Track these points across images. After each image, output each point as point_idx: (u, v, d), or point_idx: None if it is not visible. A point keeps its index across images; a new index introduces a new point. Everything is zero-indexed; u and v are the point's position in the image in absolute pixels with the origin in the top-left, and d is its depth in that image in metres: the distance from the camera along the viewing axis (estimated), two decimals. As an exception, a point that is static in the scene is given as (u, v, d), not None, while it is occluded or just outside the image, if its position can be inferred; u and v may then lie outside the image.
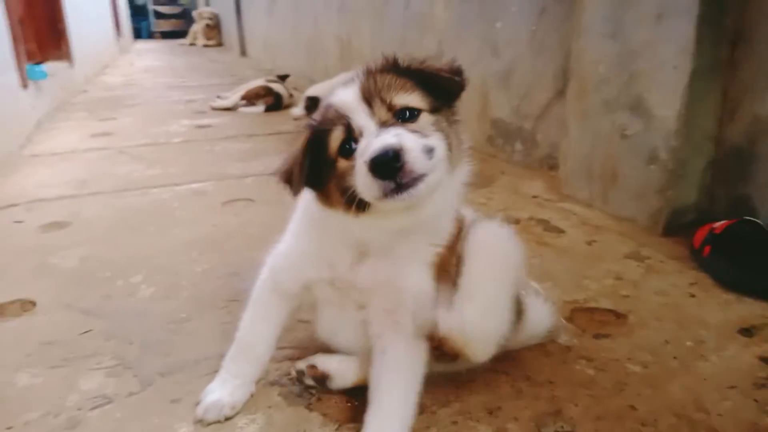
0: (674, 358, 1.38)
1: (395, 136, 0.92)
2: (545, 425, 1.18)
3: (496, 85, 3.18)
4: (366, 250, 1.11)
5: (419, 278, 1.12)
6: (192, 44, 14.34)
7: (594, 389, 1.28)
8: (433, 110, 1.03)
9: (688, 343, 1.43)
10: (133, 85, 6.97)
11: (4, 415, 1.23)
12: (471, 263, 1.16)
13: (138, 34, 17.34)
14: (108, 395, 1.29)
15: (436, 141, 0.98)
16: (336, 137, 0.99)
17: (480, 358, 1.18)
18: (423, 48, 3.83)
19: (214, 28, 13.98)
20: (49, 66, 4.82)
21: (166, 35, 17.74)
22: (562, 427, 1.17)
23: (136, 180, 2.95)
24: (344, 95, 1.00)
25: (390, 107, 0.98)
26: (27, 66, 4.07)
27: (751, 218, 1.79)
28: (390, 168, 0.90)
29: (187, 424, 1.19)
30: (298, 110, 4.72)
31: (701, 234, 1.86)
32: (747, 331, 1.47)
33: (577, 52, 2.39)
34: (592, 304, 1.63)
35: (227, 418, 1.20)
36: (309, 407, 1.24)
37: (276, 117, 4.73)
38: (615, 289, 1.71)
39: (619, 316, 1.57)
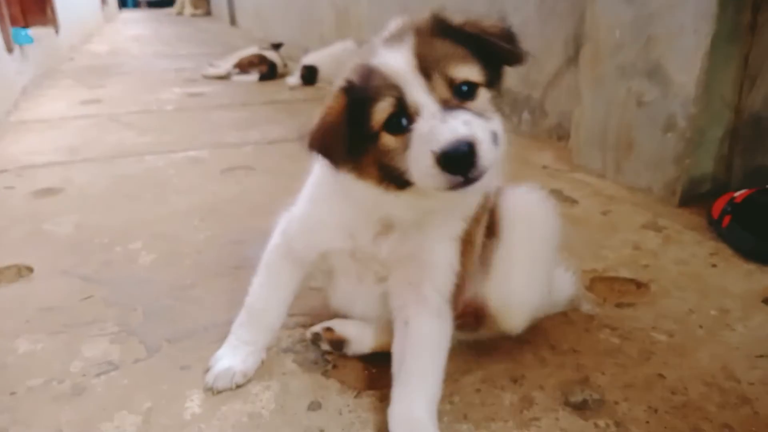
0: (700, 327, 1.34)
1: (465, 125, 0.82)
2: (573, 393, 1.13)
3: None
4: (391, 224, 1.04)
5: (447, 252, 1.05)
6: (179, 13, 14.00)
7: (620, 358, 1.24)
8: (489, 84, 0.91)
9: (713, 313, 1.39)
10: (121, 53, 6.77)
11: (6, 381, 1.17)
12: (510, 231, 1.11)
13: (123, 2, 16.88)
14: (113, 362, 1.23)
15: (497, 123, 0.89)
16: (383, 109, 0.87)
17: (516, 329, 1.15)
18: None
19: (203, -3, 13.65)
20: (33, 31, 4.63)
21: (152, 4, 17.33)
22: (591, 395, 1.13)
23: (129, 147, 2.85)
24: (394, 60, 0.86)
25: (450, 82, 0.86)
26: (12, 30, 3.91)
27: (773, 187, 1.75)
28: (463, 163, 0.81)
29: (198, 390, 1.14)
30: (294, 79, 4.60)
31: (720, 204, 1.82)
32: (772, 301, 1.44)
33: (592, 16, 2.31)
34: (612, 274, 1.59)
35: (238, 386, 1.14)
36: (325, 374, 1.19)
37: (271, 86, 4.61)
38: (634, 258, 1.67)
39: (640, 285, 1.53)
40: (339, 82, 0.92)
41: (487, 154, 0.81)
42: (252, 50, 5.04)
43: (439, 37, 0.89)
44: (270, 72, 4.84)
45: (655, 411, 1.08)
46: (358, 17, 4.82)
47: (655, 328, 1.33)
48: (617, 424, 1.05)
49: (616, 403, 1.10)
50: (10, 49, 3.80)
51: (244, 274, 1.56)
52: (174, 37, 8.76)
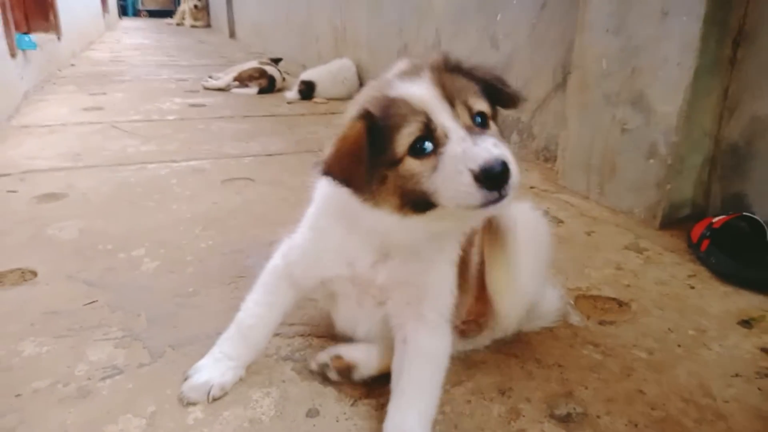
0: (678, 345, 1.41)
1: (496, 146, 0.88)
2: (557, 406, 1.20)
3: (495, 77, 3.18)
4: (389, 252, 1.08)
5: (445, 276, 1.11)
6: (179, 24, 14.10)
7: (602, 373, 1.31)
8: (494, 118, 1.00)
9: (691, 332, 1.47)
10: (122, 61, 6.83)
11: (11, 383, 1.21)
12: (515, 237, 1.18)
13: (124, 11, 16.96)
14: (118, 366, 1.28)
15: (508, 149, 0.94)
16: (409, 134, 0.90)
17: (510, 324, 1.27)
18: (420, 37, 3.83)
19: (203, 9, 13.75)
20: (36, 37, 4.69)
21: (153, 14, 17.43)
22: (575, 408, 1.19)
23: (132, 155, 2.90)
24: (419, 89, 0.92)
25: (470, 111, 0.93)
26: (16, 35, 3.96)
27: (750, 214, 1.84)
28: (500, 179, 0.87)
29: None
30: (292, 94, 4.69)
31: (699, 228, 1.91)
32: (746, 323, 1.51)
33: (580, 46, 2.41)
34: (595, 292, 1.66)
35: (214, 399, 1.17)
36: (323, 382, 1.24)
37: (270, 99, 4.69)
38: (616, 278, 1.74)
39: (621, 304, 1.61)
40: (353, 112, 0.95)
41: (516, 172, 0.88)
42: (252, 64, 5.13)
43: (451, 74, 0.97)
44: (269, 86, 4.93)
45: (636, 425, 1.15)
46: (355, 36, 4.93)
47: (636, 346, 1.41)
48: (598, 436, 1.12)
49: (599, 416, 1.17)
50: (13, 54, 3.85)
51: (245, 283, 1.62)
52: (174, 47, 8.84)
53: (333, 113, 4.16)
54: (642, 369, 1.32)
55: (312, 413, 1.15)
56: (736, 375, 1.31)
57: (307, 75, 4.73)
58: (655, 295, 1.65)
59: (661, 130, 2.07)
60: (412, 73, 0.96)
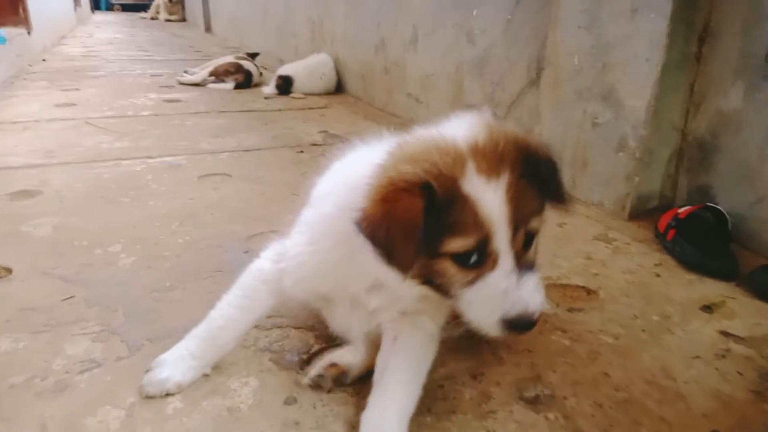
0: (643, 330, 1.47)
1: (536, 293, 0.88)
2: (526, 389, 1.24)
3: (470, 72, 3.23)
4: (384, 282, 1.06)
5: (438, 304, 1.11)
6: (153, 18, 13.90)
7: (570, 358, 1.36)
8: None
9: (655, 318, 1.53)
10: (95, 56, 6.72)
11: (-13, 378, 1.22)
12: None
13: (96, 5, 16.64)
14: (96, 359, 1.29)
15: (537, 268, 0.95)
16: (461, 245, 0.87)
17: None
18: (397, 33, 3.86)
19: (177, 3, 13.57)
20: (5, 32, 4.60)
21: (126, 8, 17.13)
22: (543, 391, 1.24)
23: (106, 151, 2.88)
24: (492, 203, 0.86)
25: (526, 232, 0.91)
26: (-16, 29, 3.89)
27: (713, 205, 1.91)
28: (527, 330, 0.89)
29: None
30: (269, 89, 4.69)
31: (665, 219, 1.97)
32: (708, 308, 1.58)
33: (553, 42, 2.47)
34: (565, 281, 1.71)
35: (168, 394, 1.17)
36: (300, 370, 1.27)
37: (246, 94, 4.67)
38: (585, 267, 1.80)
39: (590, 292, 1.66)
40: (412, 175, 0.87)
41: (539, 317, 0.88)
42: (228, 59, 5.10)
43: (525, 179, 0.90)
44: (246, 81, 4.91)
45: (600, 406, 1.20)
46: (333, 31, 4.93)
47: (603, 331, 1.46)
48: (566, 417, 1.17)
49: (565, 398, 1.22)
50: (-18, 50, 3.78)
51: (223, 278, 1.64)
52: (148, 41, 8.72)
53: (310, 108, 4.17)
54: (608, 353, 1.38)
55: (290, 401, 1.18)
56: (697, 357, 1.37)
57: (284, 70, 4.72)
58: (622, 283, 1.71)
59: (631, 125, 2.13)
60: (491, 166, 0.88)
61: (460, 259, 0.89)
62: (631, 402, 1.22)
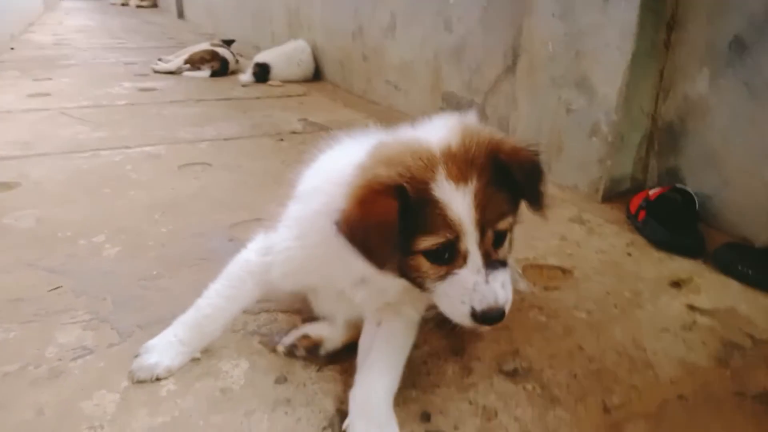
0: (615, 306, 1.55)
1: (503, 288, 0.95)
2: (505, 363, 1.31)
3: (448, 60, 3.28)
4: (368, 278, 1.11)
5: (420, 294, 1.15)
6: (124, 4, 13.58)
7: (546, 333, 1.43)
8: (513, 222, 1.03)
9: (627, 294, 1.61)
10: (66, 45, 6.57)
11: (-20, 368, 1.24)
12: None
13: (63, -10, 16.14)
14: (88, 347, 1.31)
15: (509, 265, 1.02)
16: (432, 243, 0.93)
17: None
18: (375, 19, 3.87)
19: (148, -12, 13.29)
20: (-28, 19, 4.48)
21: (95, -6, 16.64)
22: (521, 364, 1.31)
23: (84, 142, 2.86)
24: (461, 207, 0.92)
25: (495, 233, 0.96)
26: (-49, 18, 3.79)
27: (682, 186, 2.00)
28: (495, 322, 0.95)
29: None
30: (246, 77, 4.65)
31: (637, 200, 2.06)
32: (676, 284, 1.67)
33: (528, 30, 2.52)
34: (541, 262, 1.79)
35: (158, 379, 1.21)
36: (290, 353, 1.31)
37: (223, 82, 4.64)
38: (560, 248, 1.88)
39: (565, 271, 1.73)
40: (387, 178, 0.92)
41: (508, 309, 0.96)
42: (203, 46, 5.04)
43: (495, 184, 0.95)
44: (222, 68, 4.87)
45: (575, 376, 1.27)
46: (310, 18, 4.92)
47: (577, 308, 1.54)
48: (543, 387, 1.24)
49: (542, 370, 1.29)
50: (-51, 40, 3.68)
51: (209, 266, 1.66)
52: (120, 29, 8.54)
53: (288, 96, 4.17)
54: (582, 328, 1.45)
55: (280, 380, 1.22)
56: (665, 330, 1.45)
57: (261, 57, 4.70)
58: (595, 262, 1.79)
59: (603, 110, 2.21)
60: (460, 171, 0.93)
61: (432, 256, 0.96)
62: (603, 372, 1.29)
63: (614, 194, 2.26)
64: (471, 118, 1.06)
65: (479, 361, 1.31)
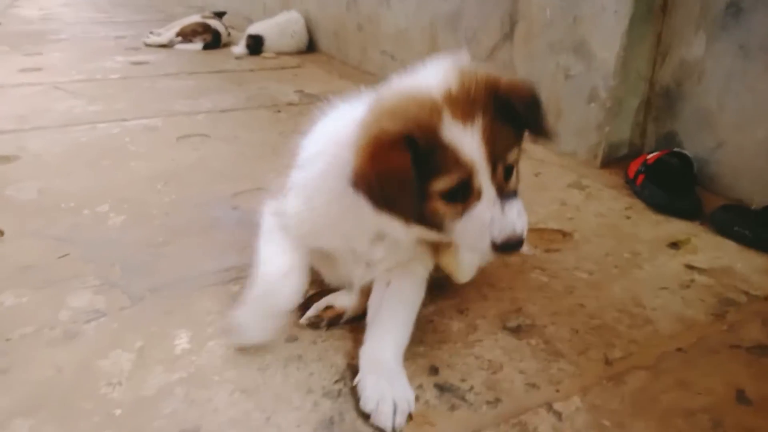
0: (615, 267, 1.59)
1: (519, 217, 0.97)
2: (509, 320, 1.35)
3: (444, 27, 3.25)
4: (384, 234, 1.13)
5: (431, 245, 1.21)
6: (109, -22, 13.28)
7: (548, 292, 1.47)
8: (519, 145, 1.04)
9: (626, 255, 1.65)
10: (53, 19, 6.46)
11: (-2, 330, 1.26)
12: None
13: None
14: (100, 310, 1.34)
15: (519, 198, 1.02)
16: (447, 184, 0.96)
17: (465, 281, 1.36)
18: (370, -12, 3.82)
19: (134, -39, 12.98)
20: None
21: (78, -33, 16.24)
22: (524, 321, 1.35)
23: (80, 115, 2.84)
24: (470, 146, 0.94)
25: (505, 167, 0.99)
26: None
27: (680, 150, 2.02)
28: (514, 251, 0.98)
29: (185, 330, 1.27)
30: (239, 49, 4.60)
31: (635, 165, 2.08)
32: (674, 245, 1.70)
33: (526, -5, 2.51)
34: (542, 226, 1.81)
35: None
36: (299, 314, 1.34)
37: (216, 55, 4.58)
38: (560, 212, 1.90)
39: (565, 234, 1.77)
40: (395, 130, 0.94)
41: (526, 236, 0.98)
42: (195, 18, 4.96)
43: (499, 119, 0.97)
44: (214, 41, 4.81)
45: (577, 331, 1.31)
46: (304, -12, 4.84)
47: (578, 268, 1.57)
48: (546, 342, 1.27)
49: (545, 326, 1.33)
50: (-64, 13, 3.61)
51: (214, 232, 1.70)
52: (107, 2, 8.36)
53: (283, 68, 4.13)
54: (582, 287, 1.49)
55: (291, 339, 1.25)
56: (664, 288, 1.49)
57: (254, 29, 4.64)
58: (595, 225, 1.82)
59: (601, 76, 2.21)
60: (465, 112, 0.95)
61: (448, 197, 0.98)
62: (604, 327, 1.33)
63: (612, 159, 2.28)
64: (464, 58, 1.06)
65: (484, 319, 1.35)
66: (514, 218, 0.97)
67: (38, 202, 1.89)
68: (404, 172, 0.92)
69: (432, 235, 1.07)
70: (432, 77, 1.00)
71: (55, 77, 3.61)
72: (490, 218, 0.97)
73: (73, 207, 1.85)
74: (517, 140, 1.03)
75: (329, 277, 1.37)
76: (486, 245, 0.98)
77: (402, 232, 1.08)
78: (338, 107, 1.20)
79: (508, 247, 0.97)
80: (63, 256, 1.56)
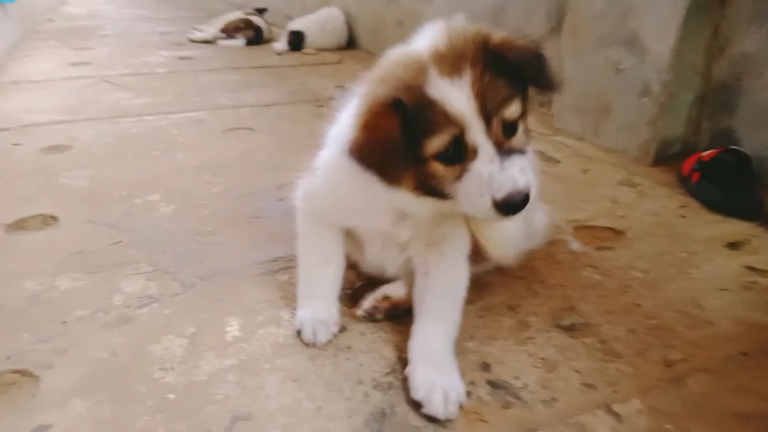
0: (671, 266, 1.53)
1: (522, 173, 0.91)
2: (562, 318, 1.31)
3: (488, 22, 3.18)
4: (406, 214, 1.12)
5: (458, 221, 1.18)
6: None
7: (601, 291, 1.42)
8: (524, 102, 0.98)
9: (682, 255, 1.59)
10: (99, 16, 6.65)
11: (55, 313, 1.29)
12: None
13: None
14: (153, 296, 1.36)
15: (530, 155, 0.98)
16: (440, 143, 0.92)
17: (509, 261, 1.34)
18: (412, -17, 3.80)
19: (177, -41, 13.26)
20: (12, -10, 4.55)
21: (123, -34, 16.69)
22: (578, 320, 1.31)
23: (128, 108, 2.91)
24: (458, 100, 0.90)
25: (503, 123, 0.94)
26: (-6, -13, 3.85)
27: (736, 147, 1.94)
28: (519, 210, 0.92)
29: (236, 318, 1.28)
30: (281, 45, 4.64)
31: (690, 162, 2.01)
32: (733, 246, 1.63)
33: (575, -12, 2.45)
34: (592, 223, 1.76)
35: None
36: (347, 305, 1.33)
37: (258, 51, 4.64)
38: (611, 210, 1.85)
39: (617, 232, 1.71)
40: (383, 96, 0.93)
41: (534, 195, 0.92)
42: (237, 15, 5.03)
43: (491, 72, 0.92)
44: (256, 37, 4.86)
45: (633, 332, 1.27)
46: (344, -17, 4.85)
47: (632, 267, 1.52)
48: (602, 342, 1.23)
49: (600, 325, 1.29)
50: (-7, 9, 3.75)
51: (261, 222, 1.71)
52: (150, 0, 8.58)
53: (323, 64, 4.15)
54: (638, 286, 1.44)
55: (340, 329, 1.24)
56: (724, 289, 1.43)
57: (295, 25, 4.67)
58: (648, 224, 1.76)
59: (654, 69, 2.14)
60: (452, 67, 0.92)
61: (443, 158, 0.94)
62: (662, 328, 1.28)
63: (664, 157, 2.20)
64: (459, 20, 1.03)
65: (535, 316, 1.32)
66: (515, 173, 0.91)
67: (90, 189, 1.93)
68: (391, 135, 0.91)
69: (444, 207, 1.04)
70: (422, 40, 0.99)
71: (103, 71, 3.70)
72: (488, 175, 0.91)
73: (125, 195, 1.89)
74: (516, 95, 0.96)
75: (365, 264, 1.35)
76: (487, 206, 0.92)
77: (415, 206, 1.05)
78: (360, 93, 1.19)
79: (510, 205, 0.91)
80: (115, 243, 1.59)
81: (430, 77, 0.91)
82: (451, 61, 0.92)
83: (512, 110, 0.95)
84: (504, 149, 0.93)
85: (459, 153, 0.93)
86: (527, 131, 1.02)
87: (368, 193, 1.05)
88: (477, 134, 0.91)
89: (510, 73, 0.94)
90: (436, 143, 0.92)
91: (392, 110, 0.92)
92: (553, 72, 1.00)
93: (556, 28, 2.73)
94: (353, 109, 1.00)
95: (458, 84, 0.91)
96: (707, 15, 2.09)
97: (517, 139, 0.97)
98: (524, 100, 0.99)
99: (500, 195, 0.91)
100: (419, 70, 0.93)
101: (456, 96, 0.90)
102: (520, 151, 0.96)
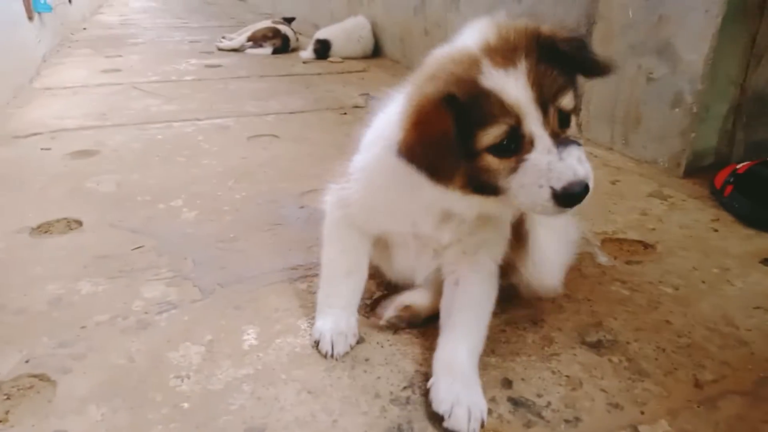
0: (702, 282, 1.47)
1: (580, 163, 0.88)
2: (588, 334, 1.26)
3: (515, 31, 3.17)
4: (451, 214, 1.10)
5: (501, 227, 1.16)
6: (185, -13, 13.90)
7: (630, 306, 1.37)
8: (575, 95, 0.95)
9: (714, 270, 1.52)
10: (132, 24, 6.81)
11: (75, 317, 1.30)
12: (538, 227, 1.21)
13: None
14: (172, 302, 1.36)
15: (582, 146, 0.94)
16: (495, 135, 0.89)
17: (555, 291, 1.31)
18: (439, -8, 3.79)
19: (208, -30, 13.53)
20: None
21: (157, -23, 17.11)
22: (605, 336, 1.26)
23: (156, 114, 2.95)
24: (514, 89, 0.88)
25: (559, 113, 0.91)
26: (32, -3, 3.97)
27: (774, 159, 1.87)
28: (578, 201, 0.89)
29: (253, 326, 1.27)
30: (307, 53, 4.68)
31: (723, 175, 1.94)
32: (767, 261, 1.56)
33: (605, -4, 2.40)
34: (621, 236, 1.71)
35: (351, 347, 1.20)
36: (366, 314, 1.31)
37: (285, 59, 4.68)
38: (641, 222, 1.79)
39: (647, 246, 1.66)
40: (435, 92, 0.90)
41: (592, 186, 0.89)
42: (265, 23, 5.10)
43: (545, 62, 0.90)
44: (284, 45, 4.91)
45: (663, 350, 1.22)
46: (371, -7, 4.87)
47: (662, 282, 1.46)
48: (629, 360, 1.18)
49: (628, 343, 1.24)
50: (30, 17, 3.86)
51: (282, 229, 1.70)
52: (183, 9, 8.77)
53: (349, 72, 4.16)
54: (668, 302, 1.38)
55: (359, 340, 1.22)
56: (758, 307, 1.36)
57: (322, 34, 4.71)
58: (679, 237, 1.70)
59: (687, 79, 2.08)
60: (505, 58, 0.89)
61: (498, 150, 0.91)
62: (693, 347, 1.23)
63: (696, 169, 2.13)
64: (501, 16, 1.00)
65: (560, 332, 1.27)
66: (574, 163, 0.88)
67: (116, 194, 1.96)
68: (445, 131, 0.89)
69: (493, 205, 1.01)
70: (469, 37, 0.96)
71: (133, 78, 3.78)
72: (546, 165, 0.88)
73: (149, 200, 1.91)
74: (570, 85, 0.94)
75: (392, 271, 1.33)
76: (546, 197, 0.88)
77: (463, 205, 1.03)
78: (395, 98, 1.17)
79: (570, 195, 0.87)
80: (138, 247, 1.60)
81: (483, 69, 0.89)
82: (504, 53, 0.90)
83: (568, 100, 0.93)
84: (560, 139, 0.90)
85: (514, 144, 0.90)
86: (579, 125, 0.99)
87: (413, 194, 1.04)
88: (534, 124, 0.89)
89: (562, 63, 0.92)
90: (491, 135, 0.89)
91: (445, 105, 0.89)
92: (602, 56, 0.98)
93: (586, 36, 2.68)
94: (399, 110, 0.98)
95: (514, 74, 0.89)
96: (744, 24, 2.02)
97: (572, 130, 0.95)
98: (576, 93, 0.97)
99: (560, 185, 0.87)
100: (471, 63, 0.91)
101: (512, 85, 0.88)
102: (576, 142, 0.93)
